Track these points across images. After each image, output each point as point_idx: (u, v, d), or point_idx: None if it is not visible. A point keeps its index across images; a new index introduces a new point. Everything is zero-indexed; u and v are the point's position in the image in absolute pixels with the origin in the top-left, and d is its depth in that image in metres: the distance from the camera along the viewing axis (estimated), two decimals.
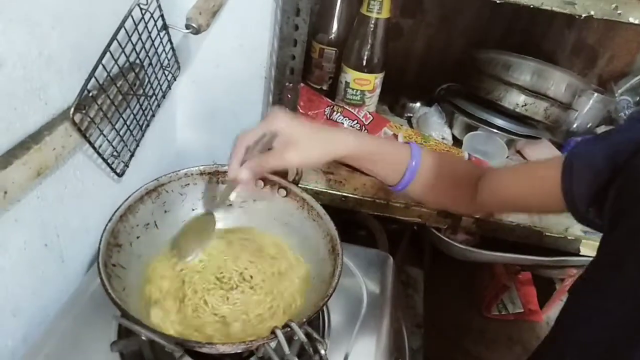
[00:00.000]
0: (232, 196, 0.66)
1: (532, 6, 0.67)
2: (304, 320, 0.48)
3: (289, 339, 0.47)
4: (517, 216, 0.92)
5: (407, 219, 0.92)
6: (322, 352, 0.44)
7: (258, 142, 0.54)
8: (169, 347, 0.44)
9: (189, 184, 0.66)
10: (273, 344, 0.49)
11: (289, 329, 0.46)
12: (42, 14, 0.47)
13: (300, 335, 0.46)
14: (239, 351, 0.53)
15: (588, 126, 1.16)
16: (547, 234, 0.91)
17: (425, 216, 0.91)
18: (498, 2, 0.67)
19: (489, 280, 1.24)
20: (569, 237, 0.91)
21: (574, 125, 1.16)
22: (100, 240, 0.53)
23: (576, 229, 0.93)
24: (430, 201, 0.74)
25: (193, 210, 0.67)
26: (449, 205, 0.74)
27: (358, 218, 1.05)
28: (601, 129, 1.16)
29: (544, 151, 1.09)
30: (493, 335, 1.15)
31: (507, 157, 1.06)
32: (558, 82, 0.99)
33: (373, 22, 0.95)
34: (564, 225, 0.93)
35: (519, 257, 0.97)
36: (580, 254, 0.92)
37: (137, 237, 0.60)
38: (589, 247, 0.91)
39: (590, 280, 0.49)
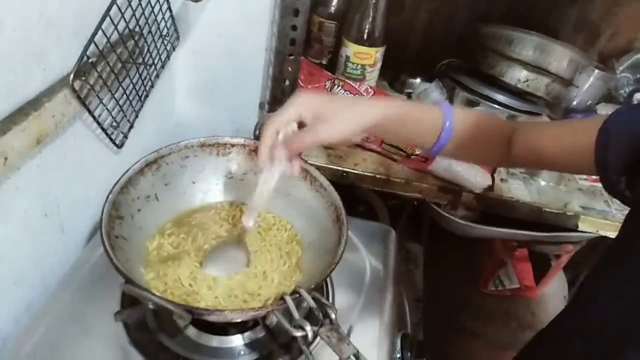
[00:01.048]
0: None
1: None
2: (312, 286, 0.48)
3: (297, 307, 0.47)
4: (516, 192, 0.93)
5: (407, 195, 0.92)
6: (333, 316, 0.44)
7: (287, 124, 0.53)
8: (178, 314, 0.43)
9: (189, 156, 0.65)
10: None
11: (297, 295, 0.46)
12: None
13: (310, 300, 0.45)
14: (247, 318, 0.53)
15: (588, 103, 1.16)
16: (546, 209, 0.91)
17: (425, 192, 0.91)
18: None
19: (487, 256, 1.25)
20: (568, 213, 0.91)
21: (574, 102, 1.15)
22: (102, 211, 0.52)
23: (575, 204, 0.93)
24: (463, 158, 0.73)
25: (193, 183, 0.66)
26: (482, 161, 0.75)
27: (358, 193, 1.05)
28: (601, 107, 1.15)
29: None
30: (490, 310, 1.16)
31: None
32: (560, 57, 0.98)
33: None
34: (563, 201, 0.93)
35: (517, 233, 0.97)
36: (578, 229, 0.93)
37: (139, 210, 0.59)
38: (587, 223, 0.92)
39: (610, 260, 0.48)
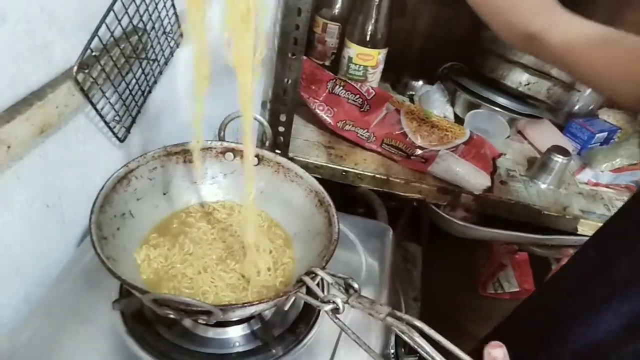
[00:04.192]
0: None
1: None
2: (324, 264, 0.50)
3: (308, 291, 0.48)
4: (516, 194, 0.93)
5: (406, 195, 0.93)
6: (355, 285, 0.45)
7: None
8: (203, 309, 0.44)
9: (156, 167, 0.63)
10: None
11: (313, 275, 0.47)
12: None
13: (327, 277, 0.46)
14: (271, 307, 0.54)
15: (590, 108, 1.16)
16: (545, 212, 0.91)
17: (424, 192, 0.92)
18: None
19: (486, 258, 1.25)
20: (568, 217, 0.92)
21: (576, 107, 1.16)
22: (91, 234, 0.50)
23: (575, 208, 0.93)
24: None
25: (164, 194, 0.64)
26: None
27: (358, 194, 1.06)
28: (603, 112, 1.15)
29: (545, 131, 1.09)
30: (488, 313, 1.16)
31: (509, 136, 1.06)
32: None
33: None
34: (563, 204, 0.93)
35: (516, 235, 0.97)
36: (578, 233, 0.93)
37: (118, 229, 0.56)
38: (587, 227, 0.92)
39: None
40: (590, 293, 0.54)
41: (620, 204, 0.96)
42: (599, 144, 1.09)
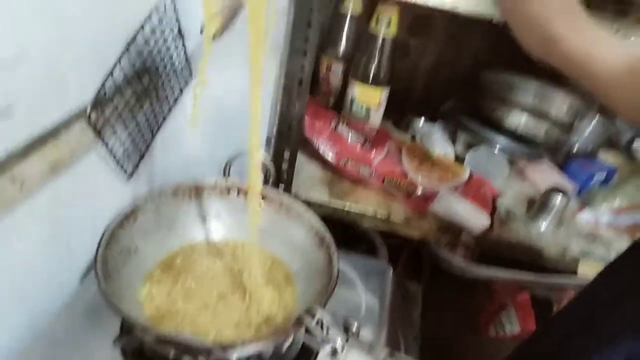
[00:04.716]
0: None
1: None
2: (324, 303, 0.50)
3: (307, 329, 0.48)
4: (516, 234, 0.94)
5: (407, 234, 0.94)
6: (355, 325, 0.45)
7: None
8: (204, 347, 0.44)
9: (163, 203, 0.64)
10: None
11: (313, 313, 0.47)
12: (68, 9, 0.49)
13: (327, 316, 0.46)
14: (268, 347, 0.54)
15: (589, 149, 1.18)
16: (545, 252, 0.92)
17: (425, 231, 0.93)
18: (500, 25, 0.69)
19: (487, 298, 1.24)
20: (568, 257, 0.92)
21: (575, 147, 1.18)
22: (96, 271, 0.50)
23: (575, 249, 0.94)
24: None
25: (169, 230, 0.65)
26: None
27: (359, 231, 1.06)
28: (602, 153, 1.17)
29: (544, 171, 1.11)
30: (489, 354, 1.15)
31: (509, 176, 1.08)
32: (560, 103, 1.02)
33: (380, 39, 0.98)
34: (563, 244, 0.94)
35: (517, 274, 0.97)
36: (578, 275, 0.93)
37: (123, 264, 0.57)
38: (587, 268, 0.92)
39: None
40: (594, 333, 0.54)
41: (619, 246, 0.96)
42: (598, 184, 1.11)
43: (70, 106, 0.54)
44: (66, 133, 0.51)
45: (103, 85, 0.54)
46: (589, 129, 1.15)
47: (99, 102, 0.55)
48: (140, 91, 0.63)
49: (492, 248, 0.93)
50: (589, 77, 0.53)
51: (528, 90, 1.01)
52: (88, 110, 0.53)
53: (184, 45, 0.71)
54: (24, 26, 0.44)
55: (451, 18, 1.14)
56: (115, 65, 0.55)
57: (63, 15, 0.49)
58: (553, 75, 1.11)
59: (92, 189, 0.63)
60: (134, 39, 0.57)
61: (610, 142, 1.21)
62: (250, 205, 0.57)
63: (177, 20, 0.65)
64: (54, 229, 0.58)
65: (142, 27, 0.57)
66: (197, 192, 0.67)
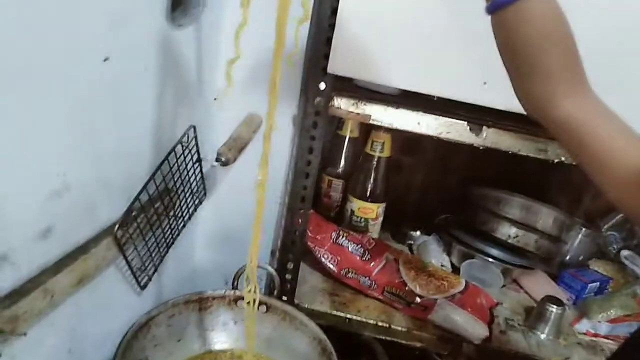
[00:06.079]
0: None
1: (510, 152, 0.79)
2: None
3: None
4: (516, 344, 0.95)
5: (408, 343, 0.95)
6: None
7: None
8: None
9: (174, 315, 0.68)
10: None
11: None
12: (103, 147, 0.58)
13: None
14: None
15: (580, 259, 1.22)
16: None
17: (425, 341, 0.94)
18: (481, 148, 0.79)
19: None
20: None
21: (567, 258, 1.22)
22: None
23: (575, 359, 0.94)
24: None
25: (178, 341, 0.68)
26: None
27: (361, 341, 1.07)
28: (593, 262, 1.21)
29: (539, 281, 1.14)
30: None
31: (504, 285, 1.11)
32: (545, 217, 1.09)
33: (376, 159, 1.08)
34: (563, 355, 0.95)
35: None
36: None
37: None
38: None
39: None
40: None
41: None
42: (593, 293, 1.13)
43: (100, 225, 0.61)
44: (95, 249, 0.57)
45: (130, 207, 0.61)
46: (577, 240, 1.21)
47: (126, 220, 0.62)
48: (160, 210, 0.71)
49: (493, 358, 0.93)
50: (598, 165, 0.47)
51: (514, 204, 1.09)
52: (115, 229, 0.60)
53: (201, 169, 0.80)
54: (68, 163, 0.52)
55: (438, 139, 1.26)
56: (142, 189, 0.63)
57: (99, 150, 0.57)
58: (537, 190, 1.21)
59: (108, 300, 0.68)
60: (159, 167, 0.65)
61: (601, 252, 1.25)
62: (247, 308, 0.60)
63: (197, 148, 0.75)
64: (69, 340, 0.61)
65: (168, 156, 0.66)
66: (206, 302, 0.71)
